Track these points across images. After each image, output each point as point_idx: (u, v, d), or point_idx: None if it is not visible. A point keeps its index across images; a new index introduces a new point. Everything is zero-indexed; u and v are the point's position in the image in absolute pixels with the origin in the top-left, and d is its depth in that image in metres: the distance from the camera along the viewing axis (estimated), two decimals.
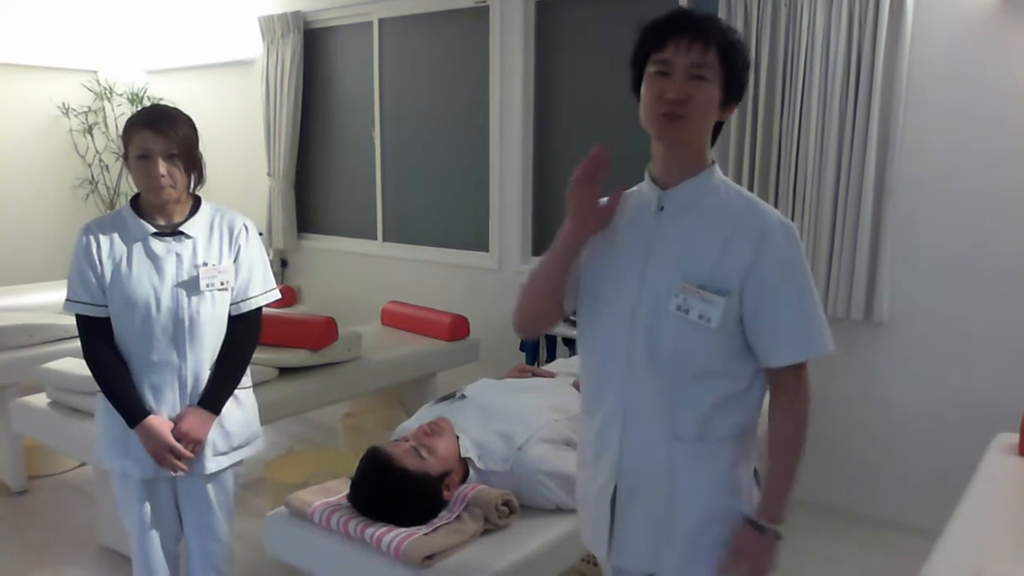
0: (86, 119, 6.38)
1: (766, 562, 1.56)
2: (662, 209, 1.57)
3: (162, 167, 2.07)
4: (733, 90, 1.52)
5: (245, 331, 2.26)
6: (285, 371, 3.42)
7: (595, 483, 1.66)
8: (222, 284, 2.18)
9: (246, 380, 2.32)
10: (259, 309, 2.29)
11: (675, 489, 1.56)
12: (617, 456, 1.59)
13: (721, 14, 3.62)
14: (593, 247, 1.65)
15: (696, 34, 1.47)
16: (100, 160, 6.47)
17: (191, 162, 2.15)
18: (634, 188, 1.69)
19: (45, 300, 4.34)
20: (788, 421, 1.57)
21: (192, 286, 2.14)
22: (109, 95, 6.40)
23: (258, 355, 3.25)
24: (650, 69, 1.50)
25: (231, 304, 2.23)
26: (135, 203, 2.20)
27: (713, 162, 1.59)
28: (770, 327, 1.51)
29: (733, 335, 1.52)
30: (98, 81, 6.45)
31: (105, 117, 6.47)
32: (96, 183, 6.45)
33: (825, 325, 1.53)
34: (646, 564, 1.62)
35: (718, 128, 1.59)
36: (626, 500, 1.60)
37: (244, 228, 2.27)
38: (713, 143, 1.60)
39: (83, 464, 4.06)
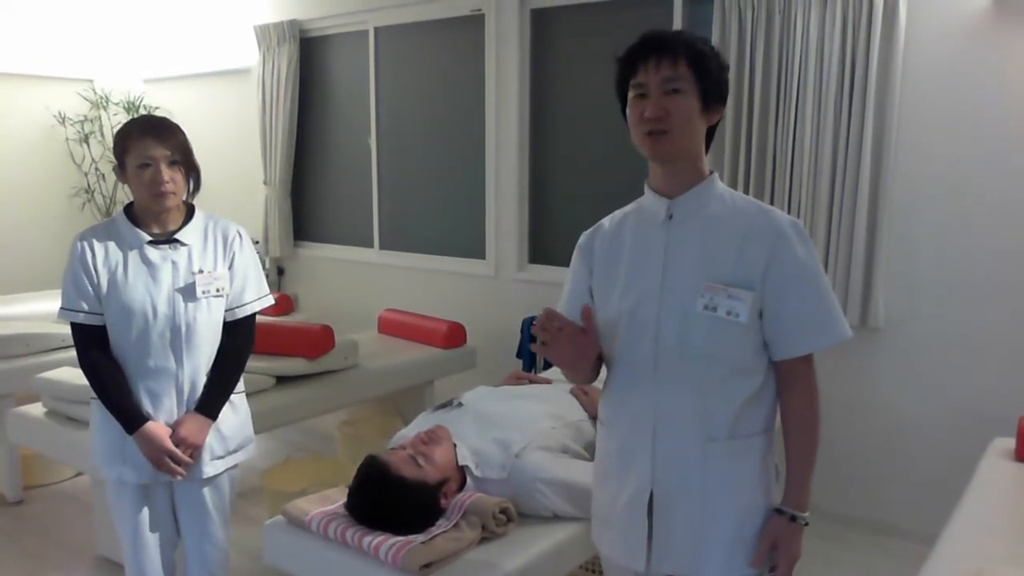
0: (82, 128, 6.38)
1: (798, 549, 1.63)
2: (671, 218, 1.62)
3: (166, 173, 2.10)
4: (712, 95, 1.57)
5: (240, 337, 2.28)
6: (282, 379, 3.42)
7: (623, 495, 1.67)
8: (218, 291, 2.21)
9: (240, 385, 2.34)
10: (253, 315, 2.31)
11: (711, 489, 1.60)
12: (650, 464, 1.62)
13: (715, 21, 3.64)
14: (601, 275, 1.70)
15: (663, 51, 1.53)
16: (96, 169, 6.47)
17: (190, 168, 2.18)
18: (630, 206, 1.75)
19: (41, 309, 4.33)
20: (805, 408, 1.63)
21: (189, 293, 2.16)
22: (105, 104, 6.40)
23: (255, 363, 3.27)
24: (630, 94, 1.58)
25: (226, 311, 2.25)
26: (129, 212, 2.21)
27: (712, 172, 1.65)
28: (791, 321, 1.57)
29: (756, 331, 1.58)
30: (94, 90, 6.46)
31: (101, 126, 6.47)
32: (92, 192, 6.45)
33: (840, 311, 1.61)
34: (689, 568, 1.63)
35: (711, 134, 1.64)
36: (663, 506, 1.62)
37: (238, 235, 2.29)
38: (707, 149, 1.65)
39: (79, 474, 4.04)
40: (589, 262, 1.76)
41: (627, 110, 1.60)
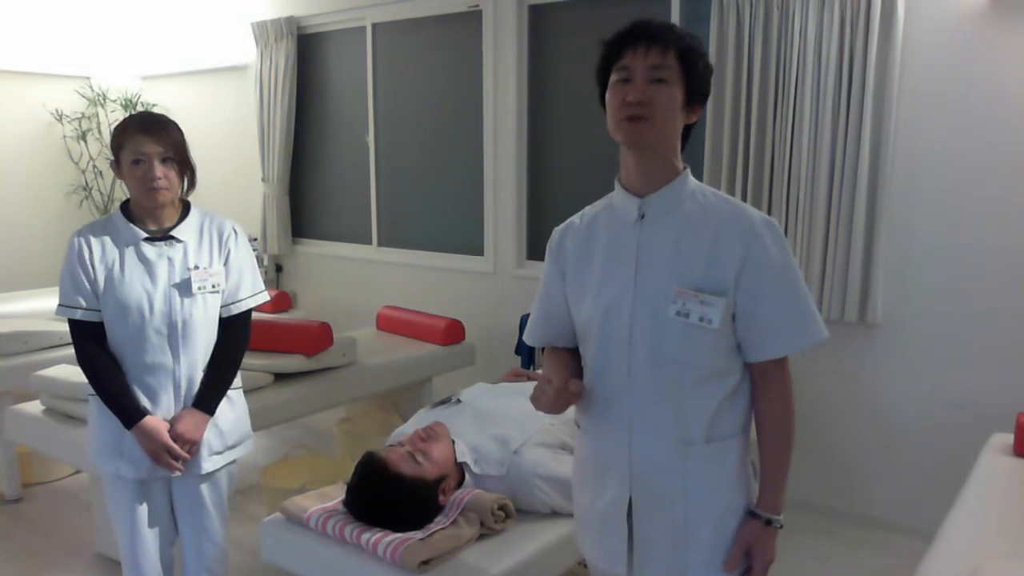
0: (79, 125, 6.36)
1: (772, 552, 1.60)
2: (642, 217, 1.58)
3: (159, 170, 2.11)
4: (695, 92, 1.54)
5: (236, 333, 2.29)
6: (280, 377, 3.41)
7: (603, 499, 1.65)
8: (213, 287, 2.22)
9: (237, 381, 2.34)
10: (249, 311, 2.33)
11: (690, 492, 1.57)
12: (627, 468, 1.59)
13: (714, 17, 3.64)
14: (574, 277, 1.68)
15: (653, 39, 1.50)
16: (94, 166, 6.45)
17: (184, 165, 2.19)
18: (600, 203, 1.71)
19: (39, 307, 4.32)
20: (779, 411, 1.60)
21: (184, 289, 2.17)
22: (102, 101, 6.39)
23: (253, 361, 3.27)
24: (612, 78, 1.54)
25: (222, 307, 2.26)
26: (125, 209, 2.22)
27: (685, 167, 1.60)
28: (766, 322, 1.53)
29: (728, 333, 1.54)
30: (91, 87, 6.44)
31: (99, 123, 6.46)
32: (90, 189, 6.44)
33: (815, 312, 1.57)
34: (669, 572, 1.62)
35: (687, 133, 1.61)
36: (643, 511, 1.60)
37: (233, 232, 2.30)
38: (684, 147, 1.61)
39: (77, 471, 4.04)
40: (561, 265, 1.72)
41: (607, 94, 1.55)
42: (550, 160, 4.53)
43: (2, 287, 5.18)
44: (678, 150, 1.59)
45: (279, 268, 5.85)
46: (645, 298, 1.54)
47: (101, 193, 6.49)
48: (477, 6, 4.59)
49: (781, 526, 1.60)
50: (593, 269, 1.64)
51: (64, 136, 6.35)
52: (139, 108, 6.34)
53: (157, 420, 2.15)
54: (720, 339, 1.52)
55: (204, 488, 2.28)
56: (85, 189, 6.42)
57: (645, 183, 1.58)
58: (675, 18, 3.89)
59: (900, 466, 3.51)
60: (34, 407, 3.32)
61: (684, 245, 1.54)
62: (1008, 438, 2.50)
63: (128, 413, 2.13)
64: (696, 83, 1.53)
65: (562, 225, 1.76)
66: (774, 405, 1.59)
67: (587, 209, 1.74)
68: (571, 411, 2.55)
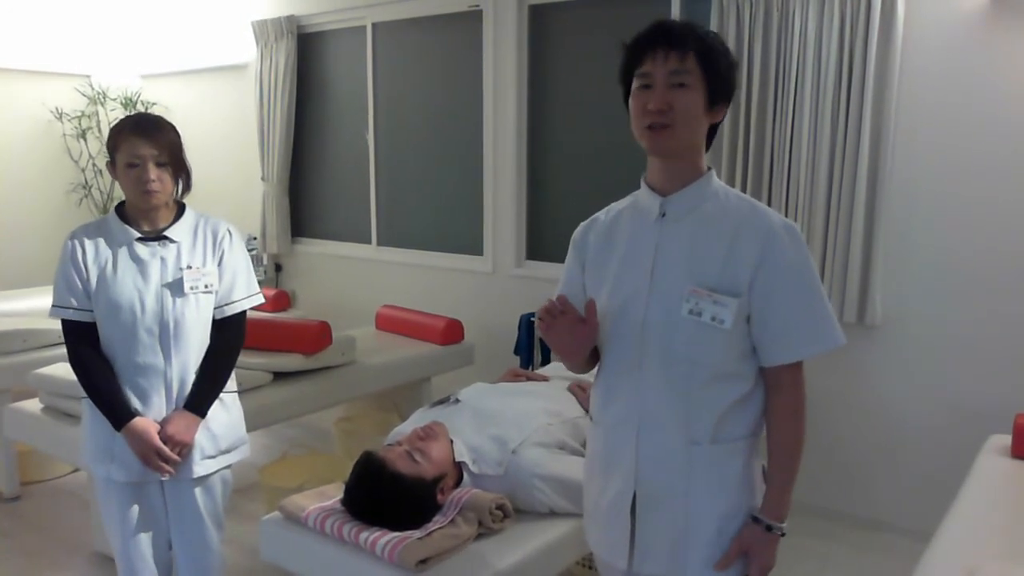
0: (79, 124, 6.36)
1: (772, 559, 1.60)
2: (664, 215, 1.60)
3: (152, 172, 2.10)
4: (718, 92, 1.54)
5: (230, 334, 2.27)
6: (279, 375, 3.41)
7: (609, 493, 1.66)
8: (206, 287, 2.20)
9: (231, 384, 2.33)
10: (243, 313, 2.30)
11: (693, 492, 1.58)
12: (633, 463, 1.60)
13: (713, 18, 3.64)
14: (593, 271, 1.69)
15: (672, 44, 1.50)
16: (94, 165, 6.45)
17: (178, 168, 2.18)
18: (626, 200, 1.73)
19: (38, 305, 4.31)
20: (789, 418, 1.59)
21: (176, 288, 2.16)
22: (102, 100, 6.39)
23: (252, 360, 3.27)
24: (634, 84, 1.54)
25: (215, 308, 2.24)
26: (120, 210, 2.22)
27: (710, 168, 1.62)
28: (780, 326, 1.53)
29: (742, 336, 1.55)
30: (91, 85, 6.44)
31: (99, 122, 6.45)
32: (90, 188, 6.44)
33: (833, 318, 1.56)
34: (669, 569, 1.62)
35: (713, 132, 1.61)
36: (646, 506, 1.61)
37: (228, 233, 2.29)
38: (708, 146, 1.62)
39: (76, 470, 4.04)
40: (582, 257, 1.74)
41: (630, 100, 1.56)
42: (550, 160, 4.53)
43: (1, 285, 5.18)
44: (702, 151, 1.60)
45: (278, 267, 5.85)
46: (660, 295, 1.56)
47: (101, 192, 6.49)
48: (477, 6, 4.59)
49: (783, 534, 1.59)
50: (612, 264, 1.65)
51: (64, 134, 6.35)
52: (139, 107, 6.35)
53: (147, 421, 2.13)
54: (733, 340, 1.53)
55: (198, 493, 2.25)
56: (85, 187, 6.42)
57: (669, 183, 1.60)
58: (675, 18, 3.89)
59: (899, 467, 3.51)
60: (33, 405, 3.32)
61: (702, 244, 1.56)
62: (1006, 439, 2.50)
63: (117, 414, 2.11)
64: (718, 83, 1.53)
65: (587, 220, 1.78)
66: (786, 413, 1.59)
67: (613, 205, 1.76)
68: (573, 410, 2.59)
